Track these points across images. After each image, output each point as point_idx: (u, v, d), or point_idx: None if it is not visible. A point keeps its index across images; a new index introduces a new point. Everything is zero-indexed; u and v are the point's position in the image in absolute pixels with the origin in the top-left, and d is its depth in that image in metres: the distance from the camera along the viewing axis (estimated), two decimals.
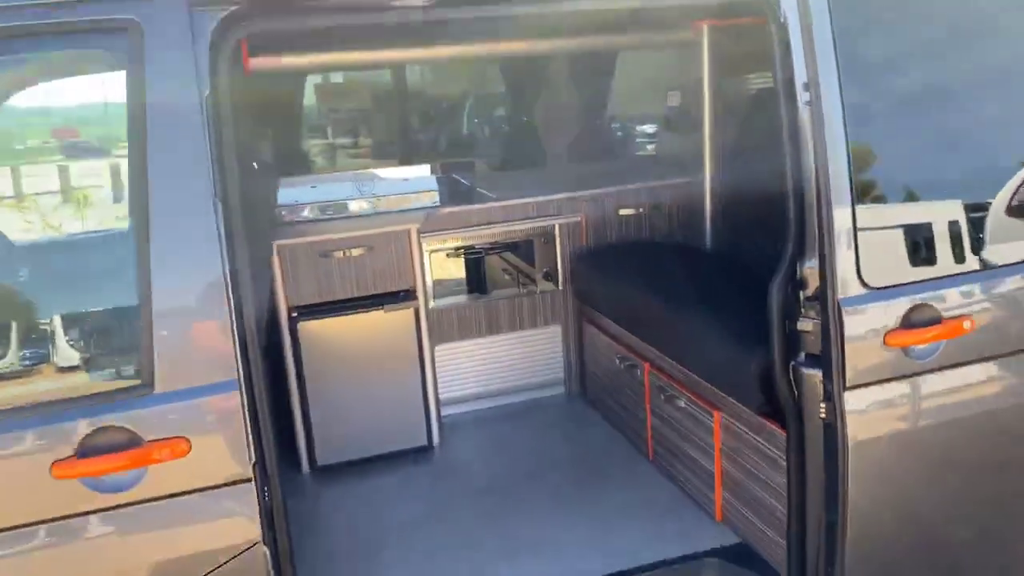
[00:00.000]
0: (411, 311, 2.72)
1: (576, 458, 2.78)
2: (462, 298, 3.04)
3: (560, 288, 3.14)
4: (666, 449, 2.57)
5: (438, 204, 2.83)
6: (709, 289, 2.49)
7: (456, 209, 2.96)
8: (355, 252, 2.66)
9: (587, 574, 2.12)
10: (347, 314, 2.67)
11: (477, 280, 3.07)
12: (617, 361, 2.80)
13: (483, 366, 3.10)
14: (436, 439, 2.85)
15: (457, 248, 3.00)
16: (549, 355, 3.19)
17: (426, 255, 2.92)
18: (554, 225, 3.09)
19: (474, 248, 3.02)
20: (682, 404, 2.42)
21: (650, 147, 3.49)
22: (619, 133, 3.58)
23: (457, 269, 3.03)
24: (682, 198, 3.17)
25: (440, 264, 3.00)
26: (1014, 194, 1.81)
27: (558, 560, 2.19)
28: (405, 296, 2.73)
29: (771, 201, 1.84)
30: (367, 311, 2.68)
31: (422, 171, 3.57)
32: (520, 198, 3.05)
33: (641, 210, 3.16)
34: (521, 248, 3.12)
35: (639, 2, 2.11)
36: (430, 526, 2.39)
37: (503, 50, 3.00)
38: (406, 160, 4.10)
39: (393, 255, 2.71)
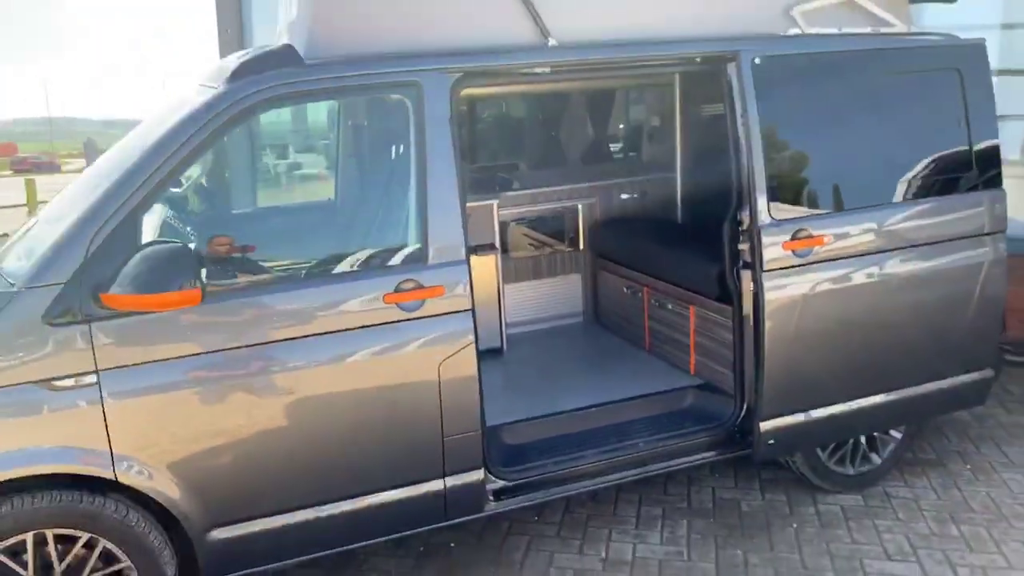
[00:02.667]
0: (492, 257, 4.18)
1: (596, 352, 4.28)
2: (519, 252, 4.52)
3: (580, 249, 4.65)
4: (658, 339, 4.10)
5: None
6: (682, 238, 4.03)
7: (519, 192, 4.44)
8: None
9: (608, 397, 3.59)
10: None
11: (531, 241, 4.55)
12: (625, 290, 4.32)
13: (531, 300, 4.58)
14: (505, 344, 4.31)
15: (517, 219, 4.48)
16: (574, 294, 4.69)
17: (497, 222, 4.38)
18: (577, 205, 4.60)
19: (527, 218, 4.51)
20: (669, 306, 3.94)
21: (640, 153, 5.03)
22: (619, 144, 5.12)
23: (519, 234, 4.51)
24: (661, 186, 4.72)
25: (508, 230, 4.47)
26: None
27: (587, 395, 3.64)
28: (488, 248, 4.18)
29: (718, 185, 3.36)
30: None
31: None
32: (556, 186, 4.56)
33: (635, 195, 4.71)
34: (553, 221, 4.62)
35: (646, 66, 3.59)
36: (510, 386, 3.85)
37: (553, 89, 4.50)
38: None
39: (482, 220, 4.17)
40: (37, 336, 2.42)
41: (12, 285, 2.48)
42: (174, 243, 2.44)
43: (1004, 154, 6.07)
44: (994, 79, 5.81)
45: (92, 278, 2.44)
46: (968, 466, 3.91)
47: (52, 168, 60.38)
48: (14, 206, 32.27)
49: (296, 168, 4.04)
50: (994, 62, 5.90)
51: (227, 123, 2.61)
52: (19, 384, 2.41)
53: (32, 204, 31.59)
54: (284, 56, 2.74)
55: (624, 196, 4.72)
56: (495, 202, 4.22)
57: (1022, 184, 5.88)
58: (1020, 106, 5.95)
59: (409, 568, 3.25)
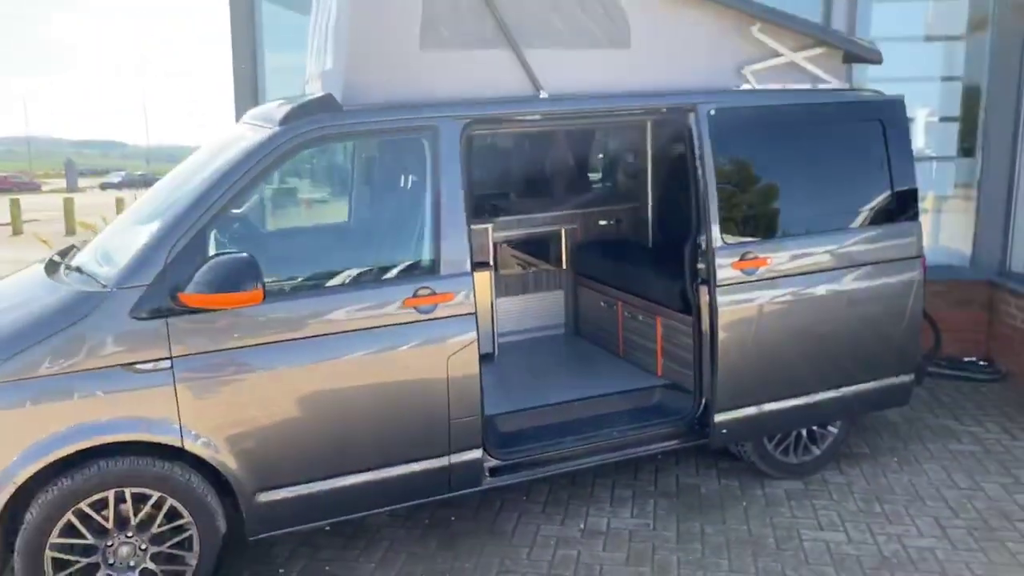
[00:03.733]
0: (487, 274, 4.77)
1: (576, 357, 4.89)
2: (510, 271, 5.12)
3: (563, 268, 5.26)
4: (630, 347, 4.71)
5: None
6: (651, 259, 4.66)
7: (510, 218, 5.05)
8: None
9: (587, 393, 4.19)
10: None
11: (520, 261, 5.16)
12: (602, 304, 4.94)
13: (519, 313, 5.17)
14: (496, 350, 4.89)
15: (508, 241, 5.09)
16: (557, 308, 5.30)
17: (491, 243, 4.98)
18: (561, 230, 5.23)
19: (517, 240, 5.12)
20: (639, 317, 4.56)
21: (616, 185, 5.68)
22: (597, 177, 5.77)
23: (510, 254, 5.11)
24: (633, 214, 5.37)
25: (500, 250, 5.07)
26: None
27: (570, 391, 4.24)
28: (483, 265, 4.78)
29: (682, 213, 4.00)
30: None
31: None
32: (542, 213, 5.18)
33: (611, 221, 5.35)
34: (540, 243, 5.23)
35: (620, 115, 4.23)
36: (502, 384, 4.43)
37: (541, 129, 5.13)
38: None
39: (479, 241, 4.77)
40: (124, 328, 2.98)
41: (104, 286, 3.04)
42: (241, 253, 3.01)
43: (941, 190, 6.84)
44: (938, 124, 6.62)
45: (169, 281, 3.01)
46: (895, 459, 4.54)
47: (32, 187, 60.47)
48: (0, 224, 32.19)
49: (314, 197, 4.66)
50: (938, 110, 6.68)
51: (281, 157, 3.21)
52: (108, 367, 2.97)
53: (16, 223, 31.65)
54: (327, 103, 3.34)
55: (602, 222, 5.35)
56: (490, 226, 4.83)
57: (958, 217, 6.64)
58: (952, 149, 6.69)
59: (416, 537, 3.80)
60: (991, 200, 6.27)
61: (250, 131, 3.45)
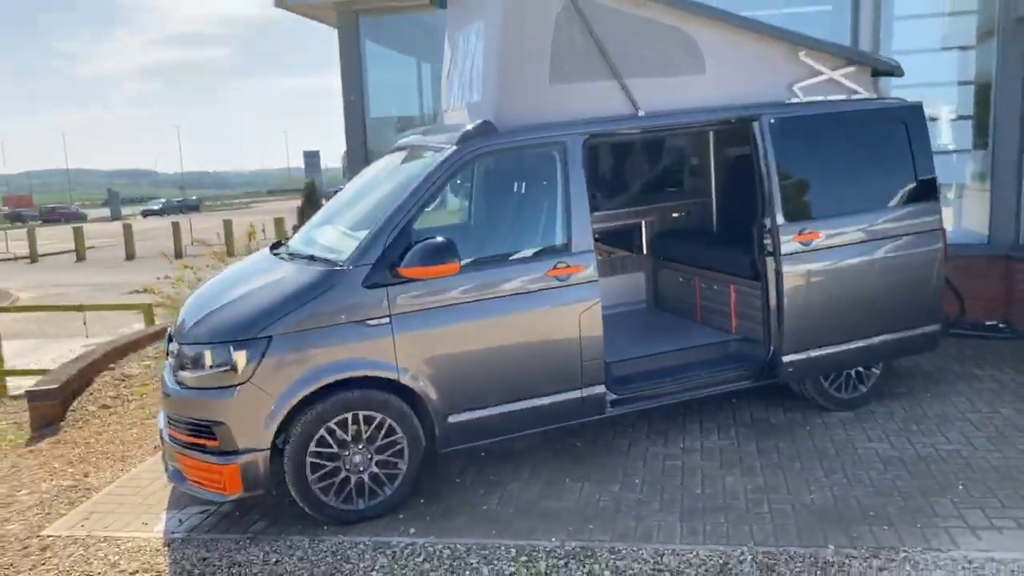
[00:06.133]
0: None
1: (662, 322, 6.00)
2: (600, 256, 6.24)
3: (644, 253, 6.38)
4: (706, 311, 5.81)
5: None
6: (721, 240, 5.78)
7: (600, 213, 6.18)
8: None
9: (675, 346, 5.28)
10: None
11: (607, 248, 6.29)
12: (680, 280, 6.05)
13: (608, 291, 6.28)
14: None
15: (598, 231, 6.21)
16: (639, 286, 6.42)
17: None
18: (641, 222, 6.35)
19: (605, 231, 6.24)
20: (715, 287, 5.67)
21: (685, 182, 6.80)
22: (670, 177, 6.89)
23: (600, 243, 6.23)
24: (700, 206, 6.48)
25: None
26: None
27: (663, 345, 5.34)
28: None
29: (740, 204, 5.10)
30: None
31: None
32: (625, 208, 6.31)
33: (682, 213, 6.46)
34: (624, 233, 6.35)
35: (701, 125, 5.32)
36: (608, 343, 5.53)
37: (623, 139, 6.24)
38: None
39: None
40: (358, 295, 4.14)
41: (341, 265, 4.21)
42: (442, 238, 4.15)
43: (960, 179, 7.86)
44: (955, 122, 7.64)
45: (387, 260, 4.17)
46: (928, 394, 5.58)
47: (80, 217, 62.91)
48: (63, 252, 33.96)
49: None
50: (955, 110, 7.68)
51: (460, 168, 4.38)
52: (348, 323, 4.13)
53: (81, 250, 33.36)
54: (487, 128, 4.49)
55: (674, 215, 6.47)
56: None
57: (974, 202, 7.66)
58: (968, 143, 7.71)
59: (553, 457, 4.92)
60: (1003, 186, 7.29)
61: (427, 151, 4.63)
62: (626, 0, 4.74)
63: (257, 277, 4.56)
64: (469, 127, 4.49)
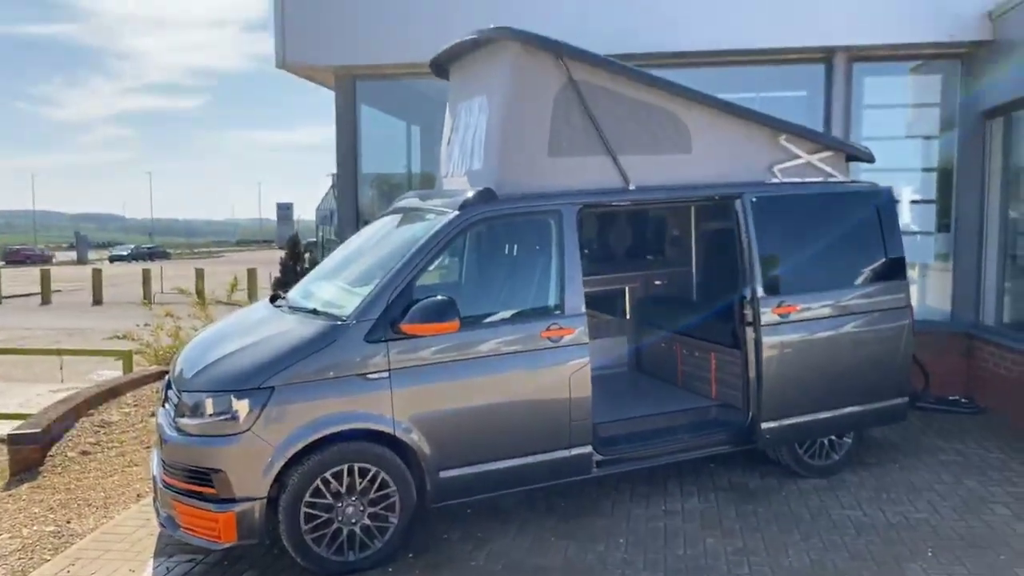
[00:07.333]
0: None
1: (644, 389, 6.19)
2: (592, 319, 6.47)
3: (627, 317, 6.61)
4: (687, 377, 6.03)
5: None
6: (701, 308, 6.03)
7: (586, 278, 6.42)
8: None
9: (657, 410, 5.47)
10: None
11: (592, 312, 6.50)
12: (662, 345, 6.27)
13: (591, 354, 6.48)
14: None
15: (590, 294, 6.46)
16: (621, 350, 6.63)
17: None
18: (624, 288, 6.60)
19: (590, 296, 6.47)
20: (696, 354, 5.89)
21: (667, 253, 7.09)
22: (652, 247, 7.18)
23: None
24: (681, 275, 6.76)
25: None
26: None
27: (645, 408, 5.53)
28: None
29: (719, 275, 5.38)
30: None
31: None
32: (610, 275, 6.57)
33: (663, 280, 6.73)
34: (607, 298, 6.59)
35: (687, 201, 5.63)
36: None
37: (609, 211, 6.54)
38: None
39: None
40: (360, 349, 4.29)
41: (344, 320, 4.36)
42: (444, 296, 4.33)
43: (925, 259, 8.25)
44: (919, 206, 8.07)
45: (390, 316, 4.34)
46: (896, 465, 5.81)
47: (45, 259, 61.90)
48: (28, 294, 33.43)
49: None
50: (919, 194, 8.12)
51: (461, 232, 4.60)
52: (350, 376, 4.26)
53: (47, 292, 32.84)
54: (488, 195, 4.72)
55: (656, 282, 6.74)
56: None
57: (938, 281, 8.05)
58: (931, 225, 8.15)
59: (540, 515, 5.03)
60: (964, 267, 7.70)
61: (429, 214, 4.85)
62: (620, 83, 5.07)
63: (259, 328, 4.69)
64: (471, 193, 4.73)
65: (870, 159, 5.86)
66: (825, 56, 7.69)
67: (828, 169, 5.66)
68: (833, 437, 5.58)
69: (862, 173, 6.90)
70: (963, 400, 7.40)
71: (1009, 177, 7.39)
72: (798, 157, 5.56)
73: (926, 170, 8.33)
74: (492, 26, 5.00)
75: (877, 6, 7.33)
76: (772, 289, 5.22)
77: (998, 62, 7.15)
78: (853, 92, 7.75)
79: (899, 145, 8.23)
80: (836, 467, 5.62)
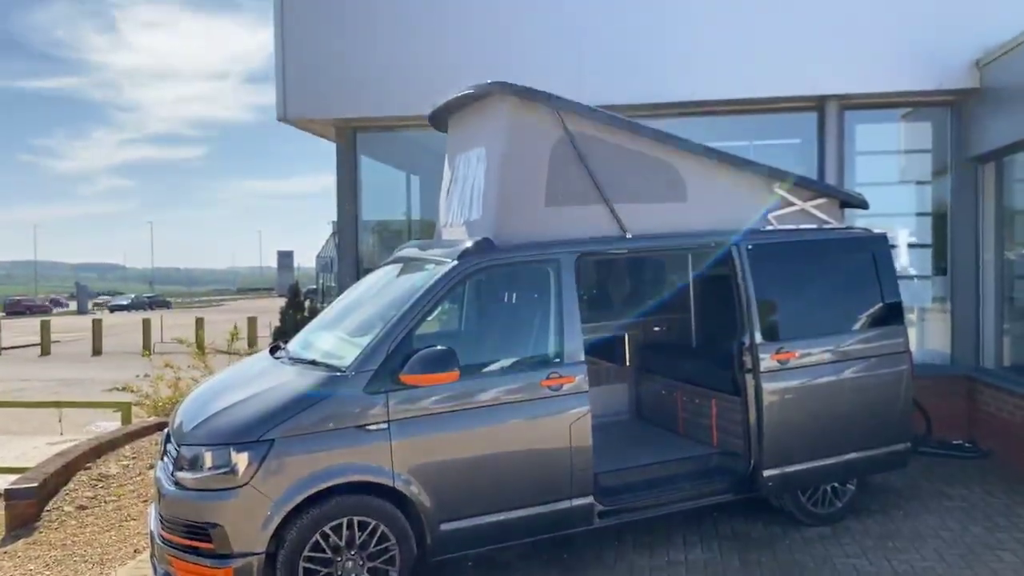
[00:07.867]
0: None
1: (645, 437, 6.16)
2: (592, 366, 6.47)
3: (628, 364, 6.61)
4: (688, 424, 6.00)
5: None
6: (701, 355, 6.03)
7: (586, 325, 6.43)
8: None
9: (659, 458, 5.43)
10: None
11: (591, 359, 6.51)
12: (662, 392, 6.26)
13: (591, 402, 6.47)
14: None
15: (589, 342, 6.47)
16: (622, 397, 6.61)
17: None
18: (624, 334, 6.61)
19: (590, 342, 6.48)
20: (696, 401, 5.88)
21: (665, 299, 7.11)
22: (652, 292, 7.21)
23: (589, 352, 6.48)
24: (680, 322, 6.78)
25: None
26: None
27: (647, 457, 5.49)
28: None
29: (717, 321, 5.40)
30: None
31: None
32: (609, 321, 6.59)
33: (663, 327, 6.74)
34: (607, 345, 6.59)
35: (684, 248, 5.67)
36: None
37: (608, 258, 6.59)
38: None
39: None
40: (360, 400, 4.29)
41: (343, 371, 4.36)
42: (444, 346, 4.35)
43: (923, 303, 8.27)
44: (916, 250, 8.10)
45: (389, 367, 4.34)
46: (901, 512, 5.75)
47: (45, 309, 61.99)
48: (28, 345, 33.39)
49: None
50: (916, 238, 8.16)
51: (460, 282, 4.63)
52: (349, 427, 4.25)
53: (46, 343, 32.82)
54: (487, 245, 4.77)
55: (656, 328, 6.75)
56: None
57: (937, 325, 8.06)
58: (928, 269, 8.20)
59: (541, 567, 4.96)
60: (962, 310, 7.72)
61: (428, 264, 4.88)
62: (616, 133, 5.16)
63: (258, 380, 4.69)
64: (469, 243, 4.77)
65: (864, 205, 5.93)
66: (817, 104, 7.83)
67: (823, 216, 5.72)
68: (836, 484, 5.54)
69: (857, 219, 6.98)
70: (966, 444, 7.35)
71: (1003, 220, 7.46)
72: (793, 204, 5.62)
73: (920, 215, 8.40)
74: (489, 81, 5.10)
75: (866, 56, 7.48)
76: (770, 335, 5.24)
77: (987, 108, 7.28)
78: (846, 139, 7.87)
79: (893, 191, 8.31)
80: (840, 514, 5.56)
